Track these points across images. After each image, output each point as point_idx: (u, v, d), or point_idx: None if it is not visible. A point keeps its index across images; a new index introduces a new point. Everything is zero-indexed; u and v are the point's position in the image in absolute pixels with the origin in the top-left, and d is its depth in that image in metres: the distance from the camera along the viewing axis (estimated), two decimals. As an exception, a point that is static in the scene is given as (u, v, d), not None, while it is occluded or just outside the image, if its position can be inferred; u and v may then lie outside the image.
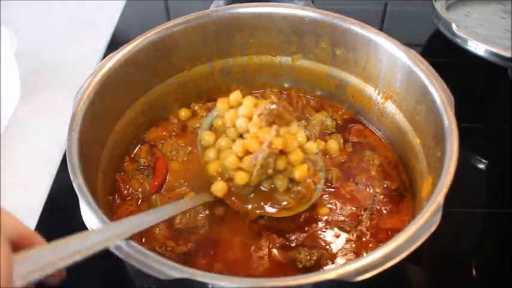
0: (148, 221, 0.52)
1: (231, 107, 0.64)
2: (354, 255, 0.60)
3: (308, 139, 0.63)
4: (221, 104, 0.64)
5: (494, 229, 0.72)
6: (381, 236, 0.62)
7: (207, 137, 0.64)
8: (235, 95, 0.64)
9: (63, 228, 0.69)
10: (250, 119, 0.61)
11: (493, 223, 0.72)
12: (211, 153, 0.62)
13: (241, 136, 0.62)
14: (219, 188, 0.60)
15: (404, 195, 0.67)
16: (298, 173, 0.59)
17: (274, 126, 0.59)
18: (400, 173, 0.70)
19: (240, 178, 0.59)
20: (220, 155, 0.62)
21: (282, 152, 0.59)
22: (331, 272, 0.45)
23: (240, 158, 0.60)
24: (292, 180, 0.61)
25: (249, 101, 0.63)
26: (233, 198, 0.61)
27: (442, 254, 0.66)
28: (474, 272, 0.66)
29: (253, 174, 0.58)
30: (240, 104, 0.63)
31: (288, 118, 0.62)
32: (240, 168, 0.60)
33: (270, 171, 0.58)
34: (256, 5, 0.74)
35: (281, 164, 0.59)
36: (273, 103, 0.61)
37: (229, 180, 0.60)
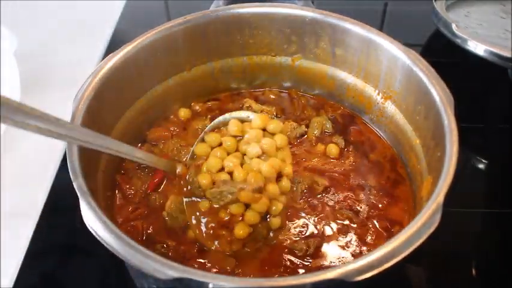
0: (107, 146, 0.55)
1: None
2: (350, 242, 0.61)
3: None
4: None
5: (494, 229, 0.72)
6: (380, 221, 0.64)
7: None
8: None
9: (63, 228, 0.70)
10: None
11: (493, 223, 0.72)
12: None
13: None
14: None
15: (400, 182, 0.68)
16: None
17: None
18: (396, 166, 0.70)
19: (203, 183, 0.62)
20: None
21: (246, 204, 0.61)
22: (331, 272, 0.45)
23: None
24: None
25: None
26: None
27: (442, 254, 0.66)
28: (474, 272, 0.67)
29: (208, 190, 0.61)
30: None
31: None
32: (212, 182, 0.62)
33: (220, 202, 0.60)
34: (256, 5, 0.74)
35: (237, 208, 0.60)
36: None
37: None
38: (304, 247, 0.60)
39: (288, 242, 0.61)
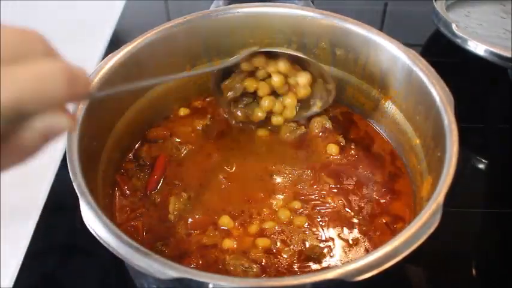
0: None
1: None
2: (357, 240, 0.61)
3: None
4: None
5: (494, 229, 0.72)
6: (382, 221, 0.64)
7: None
8: None
9: (63, 228, 0.70)
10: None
11: (493, 223, 0.72)
12: None
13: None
14: None
15: (399, 176, 0.68)
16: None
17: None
18: (396, 163, 0.70)
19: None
20: None
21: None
22: (331, 272, 0.45)
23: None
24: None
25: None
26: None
27: (442, 254, 0.66)
28: (474, 272, 0.67)
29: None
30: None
31: None
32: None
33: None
34: (256, 5, 0.74)
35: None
36: None
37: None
38: (321, 251, 0.59)
39: (308, 245, 0.60)
